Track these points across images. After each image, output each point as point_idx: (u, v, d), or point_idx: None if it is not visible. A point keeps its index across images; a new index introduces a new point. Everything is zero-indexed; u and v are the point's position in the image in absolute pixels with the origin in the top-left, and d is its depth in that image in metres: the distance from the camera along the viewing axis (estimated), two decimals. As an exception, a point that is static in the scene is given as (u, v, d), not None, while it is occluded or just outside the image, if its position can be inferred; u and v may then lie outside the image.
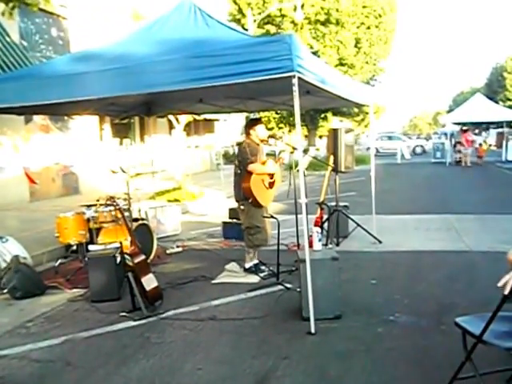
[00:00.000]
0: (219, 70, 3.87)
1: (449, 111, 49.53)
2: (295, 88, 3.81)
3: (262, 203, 5.64)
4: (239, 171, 5.61)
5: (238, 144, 5.98)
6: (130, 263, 4.65)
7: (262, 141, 5.80)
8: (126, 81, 4.29)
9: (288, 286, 5.21)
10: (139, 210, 7.57)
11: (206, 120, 23.09)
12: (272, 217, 5.72)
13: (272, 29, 23.28)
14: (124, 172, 6.74)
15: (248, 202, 5.57)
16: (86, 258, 5.29)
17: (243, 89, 4.93)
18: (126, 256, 4.74)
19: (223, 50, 3.95)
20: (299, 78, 3.85)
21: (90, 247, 5.50)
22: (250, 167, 5.49)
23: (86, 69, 4.52)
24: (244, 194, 5.55)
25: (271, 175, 5.72)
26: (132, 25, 14.24)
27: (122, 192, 6.77)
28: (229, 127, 31.55)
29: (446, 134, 28.06)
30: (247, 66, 3.79)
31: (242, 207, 5.64)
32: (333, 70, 5.55)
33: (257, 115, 12.31)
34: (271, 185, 5.74)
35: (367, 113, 28.13)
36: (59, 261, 6.57)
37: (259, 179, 5.57)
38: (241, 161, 5.57)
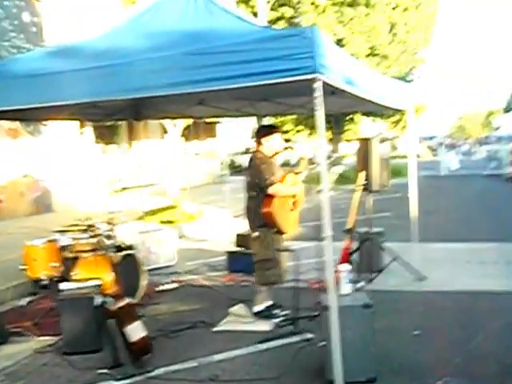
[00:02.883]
0: (224, 70, 3.83)
1: (506, 110, 48.96)
2: (318, 93, 3.75)
3: (286, 231, 5.62)
4: (254, 193, 5.56)
5: (249, 153, 5.96)
6: (112, 308, 4.57)
7: (275, 153, 5.76)
8: (111, 83, 4.25)
9: (309, 336, 5.12)
10: (124, 237, 7.51)
11: (205, 123, 23.12)
12: (289, 250, 5.67)
13: (288, 12, 23.39)
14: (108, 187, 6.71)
15: (266, 229, 5.51)
16: (58, 299, 5.22)
17: (253, 89, 4.85)
18: (107, 299, 4.66)
19: (230, 46, 3.91)
20: (322, 81, 3.79)
21: (63, 286, 5.43)
22: (272, 190, 5.43)
23: (61, 67, 4.49)
24: (263, 221, 5.50)
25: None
26: (121, 11, 14.36)
27: (103, 211, 6.73)
28: (235, 130, 31.59)
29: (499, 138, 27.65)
30: (258, 66, 3.74)
31: (256, 234, 5.58)
32: (363, 67, 5.52)
33: (270, 120, 12.29)
34: (295, 204, 5.70)
35: (404, 113, 28.13)
36: (27, 299, 6.55)
37: (281, 201, 5.54)
38: (257, 182, 5.52)
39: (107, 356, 4.72)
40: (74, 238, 6.36)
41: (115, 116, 8.18)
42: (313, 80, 3.72)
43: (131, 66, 4.20)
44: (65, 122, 14.38)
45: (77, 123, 15.37)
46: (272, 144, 5.68)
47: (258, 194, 5.52)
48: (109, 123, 17.00)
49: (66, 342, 5.06)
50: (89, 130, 16.69)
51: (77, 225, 6.50)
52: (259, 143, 5.73)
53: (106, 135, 18.11)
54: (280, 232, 5.58)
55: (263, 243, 5.57)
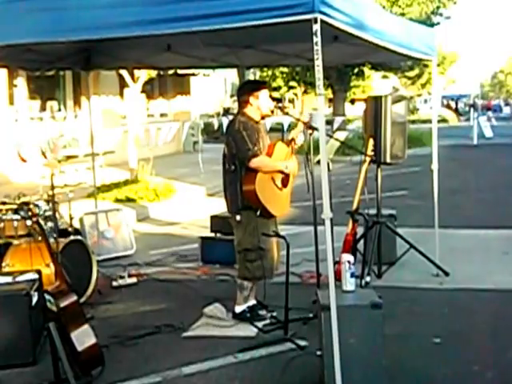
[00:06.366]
0: (197, 6, 3.83)
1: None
2: (317, 38, 3.75)
3: (274, 213, 5.65)
4: (233, 167, 5.57)
5: (229, 115, 5.95)
6: (54, 308, 4.57)
7: (263, 116, 5.76)
8: (50, 20, 4.22)
9: (302, 343, 5.15)
10: (70, 217, 7.51)
11: (176, 75, 22.99)
12: (279, 235, 5.68)
13: None
14: (47, 155, 6.65)
15: (250, 212, 5.54)
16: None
17: (234, 33, 4.91)
18: (48, 296, 4.66)
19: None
20: (324, 22, 3.79)
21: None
22: (255, 164, 5.44)
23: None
24: (246, 202, 5.52)
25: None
26: None
27: (42, 185, 6.68)
28: (212, 85, 31.45)
29: None
30: (242, 3, 3.75)
31: (238, 217, 5.61)
32: (374, 6, 5.53)
33: (256, 73, 12.26)
34: (285, 182, 5.71)
35: (426, 65, 28.13)
36: None
37: (268, 178, 5.56)
38: (236, 153, 5.53)
39: (46, 369, 4.68)
40: (3, 220, 6.34)
41: (57, 64, 8.09)
42: (311, 21, 3.72)
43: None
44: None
45: (6, 74, 15.29)
46: (260, 104, 5.66)
47: (239, 167, 5.54)
48: (49, 73, 16.86)
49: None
50: (22, 81, 16.60)
51: (6, 202, 6.46)
52: (244, 103, 5.70)
53: (44, 90, 18.03)
54: (266, 215, 5.60)
55: (247, 229, 5.60)
